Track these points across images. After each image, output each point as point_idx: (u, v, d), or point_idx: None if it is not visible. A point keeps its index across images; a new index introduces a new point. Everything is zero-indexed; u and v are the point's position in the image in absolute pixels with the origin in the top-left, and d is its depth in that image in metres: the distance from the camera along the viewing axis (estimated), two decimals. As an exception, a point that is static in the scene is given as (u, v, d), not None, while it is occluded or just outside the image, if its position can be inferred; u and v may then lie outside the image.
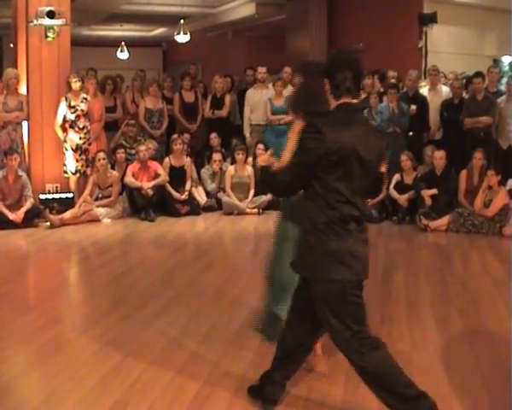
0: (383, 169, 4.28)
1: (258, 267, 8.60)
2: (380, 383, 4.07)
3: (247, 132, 13.15)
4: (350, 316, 4.08)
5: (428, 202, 10.94)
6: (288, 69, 13.42)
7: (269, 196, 11.88)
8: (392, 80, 13.11)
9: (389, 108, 11.98)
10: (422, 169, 11.64)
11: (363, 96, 13.00)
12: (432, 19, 14.42)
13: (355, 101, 4.13)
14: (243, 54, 21.64)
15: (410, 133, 12.16)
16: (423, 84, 13.27)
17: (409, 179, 11.40)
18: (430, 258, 9.50)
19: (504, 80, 13.44)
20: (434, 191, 10.99)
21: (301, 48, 16.86)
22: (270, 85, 13.23)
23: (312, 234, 4.01)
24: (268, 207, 11.92)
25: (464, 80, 12.96)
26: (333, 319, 4.06)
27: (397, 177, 11.49)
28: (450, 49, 14.82)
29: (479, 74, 12.19)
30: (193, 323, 6.31)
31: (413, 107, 12.14)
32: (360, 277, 4.17)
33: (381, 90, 13.06)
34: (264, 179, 4.31)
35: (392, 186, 11.42)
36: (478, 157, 10.85)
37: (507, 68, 15.83)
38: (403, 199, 11.33)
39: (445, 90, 12.76)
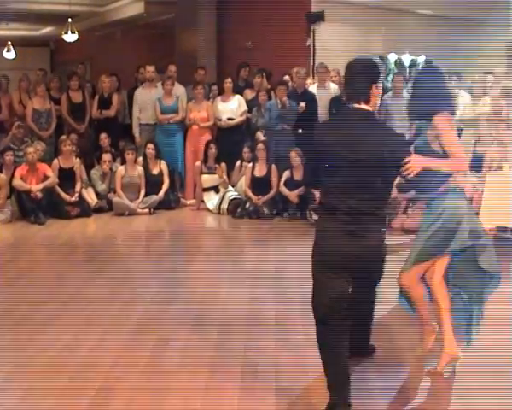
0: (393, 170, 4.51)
1: (150, 267, 8.62)
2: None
3: (136, 132, 13.00)
4: (313, 290, 4.62)
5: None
6: (172, 68, 13.40)
7: (160, 196, 11.86)
8: (287, 77, 13.22)
9: (278, 105, 12.09)
10: (312, 165, 11.78)
11: (252, 94, 13.12)
12: (319, 17, 14.59)
13: (363, 106, 4.48)
14: (132, 53, 21.43)
15: (300, 130, 12.28)
16: (310, 81, 13.45)
17: (298, 176, 11.53)
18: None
19: (390, 77, 13.76)
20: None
21: (190, 46, 16.82)
22: (159, 85, 13.17)
23: None
24: (159, 206, 11.91)
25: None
26: None
27: (287, 173, 11.62)
28: (337, 47, 15.00)
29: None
30: (86, 326, 6.23)
31: (302, 104, 12.26)
32: (324, 258, 4.56)
33: (269, 87, 13.18)
34: None
35: (282, 183, 11.56)
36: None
37: (393, 66, 16.17)
38: (293, 195, 11.46)
39: (333, 87, 12.94)
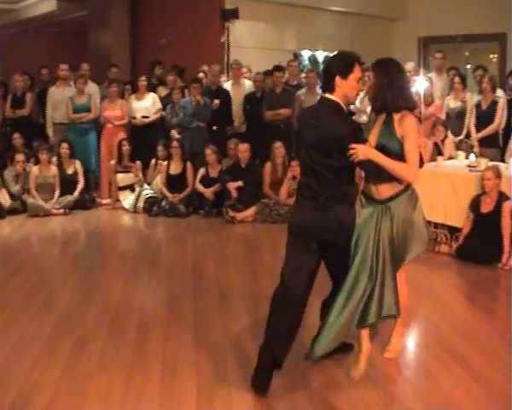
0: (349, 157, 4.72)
1: (67, 268, 8.52)
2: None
3: (50, 132, 12.82)
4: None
5: (234, 194, 11.17)
6: (85, 66, 13.28)
7: (75, 195, 11.73)
8: (201, 74, 13.21)
9: (192, 102, 12.08)
10: (227, 162, 11.84)
11: (165, 92, 13.09)
12: (233, 14, 14.63)
13: (328, 95, 4.91)
14: (44, 51, 21.14)
15: (214, 127, 12.31)
16: (224, 78, 13.49)
17: (214, 173, 11.57)
18: (238, 249, 9.66)
19: (304, 73, 13.89)
20: (240, 183, 11.23)
21: (104, 44, 16.67)
22: (73, 83, 13.00)
23: None
24: (74, 206, 11.76)
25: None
26: None
27: (202, 171, 11.65)
28: (252, 44, 15.09)
29: (278, 68, 12.53)
30: (2, 331, 6.12)
31: (216, 101, 12.29)
32: (291, 229, 5.01)
33: (183, 84, 13.16)
34: None
35: (197, 180, 11.57)
36: (276, 147, 11.20)
37: (306, 62, 16.32)
38: (209, 192, 11.48)
39: (247, 84, 13.01)
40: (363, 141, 4.80)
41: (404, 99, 4.90)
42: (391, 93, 4.88)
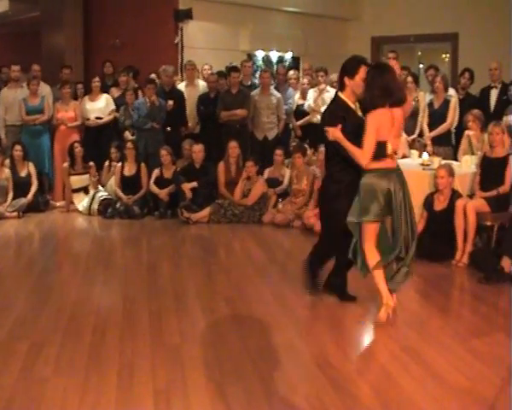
0: None
1: (21, 272, 8.44)
2: None
3: (2, 134, 12.67)
4: None
5: (189, 194, 11.16)
6: (36, 67, 13.16)
7: (28, 198, 11.62)
8: (153, 75, 13.18)
9: (146, 103, 12.04)
10: (181, 163, 11.83)
11: (118, 92, 13.03)
12: (187, 15, 14.62)
13: (339, 93, 6.47)
14: (-4, 52, 20.91)
15: (168, 128, 12.29)
16: (178, 79, 13.47)
17: (168, 174, 11.55)
18: (194, 250, 9.67)
19: (258, 74, 13.93)
20: (194, 184, 11.24)
21: (57, 45, 16.50)
22: (25, 84, 12.86)
23: None
24: (28, 209, 11.64)
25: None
26: None
27: (156, 172, 11.63)
28: (206, 45, 15.09)
29: (235, 69, 12.55)
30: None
31: (170, 102, 12.27)
32: None
33: (136, 85, 13.12)
34: None
35: (152, 181, 11.55)
36: (232, 146, 11.22)
37: (260, 62, 16.37)
38: (163, 193, 11.45)
39: (202, 85, 13.01)
40: (335, 125, 6.12)
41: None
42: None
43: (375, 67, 6.31)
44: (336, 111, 6.34)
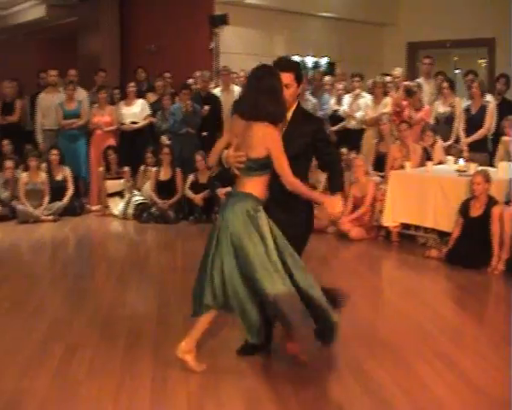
0: None
1: (56, 275, 8.50)
2: None
3: (39, 138, 12.82)
4: None
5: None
6: (72, 72, 13.28)
7: (64, 202, 11.72)
8: (190, 80, 13.22)
9: (182, 108, 12.09)
10: (216, 168, 11.82)
11: (154, 97, 13.08)
12: (223, 20, 14.63)
13: None
14: (34, 57, 21.09)
15: (204, 133, 12.31)
16: (213, 84, 13.50)
17: (203, 179, 11.56)
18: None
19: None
20: (229, 189, 11.19)
21: (93, 50, 16.66)
22: (62, 89, 12.98)
23: None
24: (64, 213, 11.75)
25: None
26: None
27: (191, 177, 11.64)
28: (241, 50, 15.10)
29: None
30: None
31: (206, 107, 12.31)
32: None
33: (173, 91, 13.16)
34: None
35: (187, 186, 11.57)
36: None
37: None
38: (198, 198, 11.47)
39: (237, 90, 12.99)
40: None
41: None
42: None
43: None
44: None
